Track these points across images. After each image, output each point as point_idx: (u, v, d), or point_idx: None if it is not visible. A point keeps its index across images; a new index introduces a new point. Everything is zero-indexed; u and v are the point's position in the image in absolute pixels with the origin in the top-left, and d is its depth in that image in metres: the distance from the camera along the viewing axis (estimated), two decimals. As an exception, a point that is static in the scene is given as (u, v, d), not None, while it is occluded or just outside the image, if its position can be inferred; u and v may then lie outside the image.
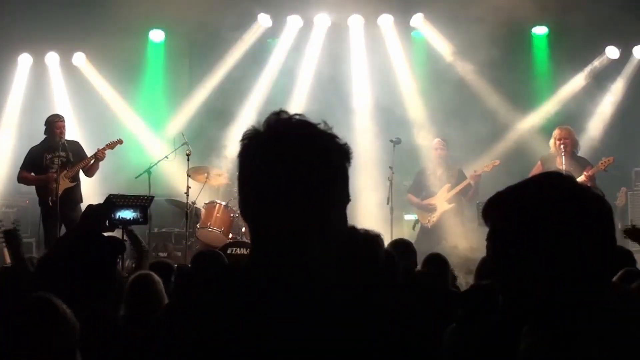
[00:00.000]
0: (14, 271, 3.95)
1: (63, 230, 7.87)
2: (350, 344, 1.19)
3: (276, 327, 1.18)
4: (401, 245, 4.71)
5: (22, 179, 8.23)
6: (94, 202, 7.94)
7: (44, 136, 8.17)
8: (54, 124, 8.07)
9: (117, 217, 2.68)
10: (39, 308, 2.19)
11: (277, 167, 1.25)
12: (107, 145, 8.23)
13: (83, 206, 8.09)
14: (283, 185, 1.24)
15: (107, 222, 2.52)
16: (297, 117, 1.31)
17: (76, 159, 8.11)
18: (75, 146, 8.28)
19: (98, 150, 8.14)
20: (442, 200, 8.48)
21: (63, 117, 8.25)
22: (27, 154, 8.23)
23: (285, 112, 1.31)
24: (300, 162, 1.25)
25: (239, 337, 1.19)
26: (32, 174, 8.12)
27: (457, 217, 8.45)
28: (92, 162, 8.15)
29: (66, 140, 8.13)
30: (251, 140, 1.30)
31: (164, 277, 3.97)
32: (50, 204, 7.86)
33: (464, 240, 8.14)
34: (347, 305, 1.22)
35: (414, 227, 8.80)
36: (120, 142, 8.40)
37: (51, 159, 8.05)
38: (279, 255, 1.25)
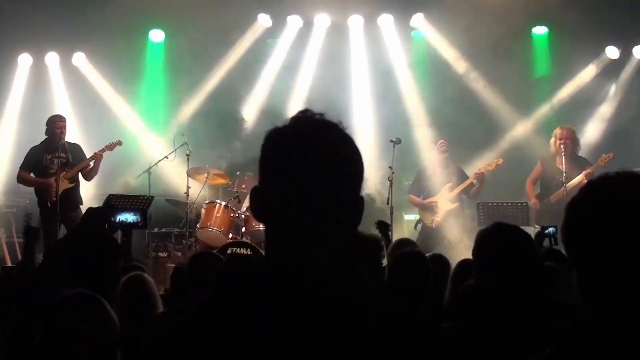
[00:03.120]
0: (21, 269, 3.96)
1: (62, 230, 7.89)
2: (359, 341, 1.20)
3: (294, 319, 1.20)
4: (405, 244, 4.70)
5: (21, 179, 8.25)
6: (94, 203, 7.98)
7: (45, 136, 8.19)
8: (53, 124, 8.09)
9: (117, 220, 2.68)
10: (87, 303, 2.17)
11: (307, 162, 1.27)
12: (106, 146, 8.25)
13: (82, 208, 8.11)
14: (313, 179, 1.27)
15: (106, 225, 2.51)
16: (320, 115, 1.34)
17: (76, 161, 8.13)
18: (75, 148, 8.30)
19: (96, 153, 8.16)
20: (445, 199, 8.44)
21: (64, 118, 8.27)
22: (27, 154, 8.24)
23: (311, 111, 1.34)
24: (330, 159, 1.29)
25: (253, 331, 1.20)
26: (32, 174, 8.14)
27: (459, 217, 8.42)
28: (91, 163, 8.17)
29: (67, 142, 8.17)
30: (281, 135, 1.32)
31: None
32: (49, 204, 7.89)
33: (465, 239, 8.13)
34: (356, 302, 1.25)
35: (415, 227, 8.76)
36: (119, 143, 8.42)
37: (51, 160, 8.06)
38: (299, 250, 1.28)
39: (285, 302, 1.22)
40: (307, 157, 1.27)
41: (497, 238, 2.47)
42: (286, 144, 1.31)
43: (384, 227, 4.93)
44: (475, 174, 8.41)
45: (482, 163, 8.98)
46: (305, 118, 1.33)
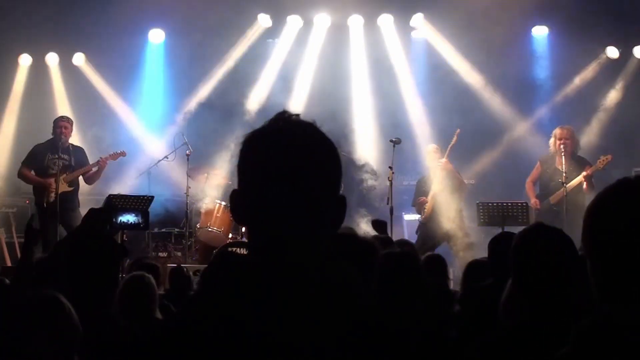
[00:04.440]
0: (19, 270, 3.96)
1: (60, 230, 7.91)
2: (345, 337, 1.22)
3: (283, 317, 1.22)
4: (406, 246, 4.69)
5: (21, 175, 8.31)
6: (93, 203, 7.98)
7: (52, 136, 8.25)
8: (56, 123, 8.21)
9: (119, 221, 2.68)
10: (46, 305, 2.17)
11: (285, 163, 1.28)
12: (110, 155, 8.33)
13: (82, 211, 8.12)
14: (292, 179, 1.27)
15: (108, 226, 2.51)
16: (296, 116, 1.34)
17: (77, 165, 8.20)
18: (78, 152, 8.37)
19: (100, 159, 8.21)
20: (432, 191, 8.34)
21: (67, 118, 8.34)
22: (31, 150, 8.32)
23: (288, 112, 1.35)
24: (308, 159, 1.29)
25: (243, 329, 1.22)
26: (32, 171, 8.19)
27: (447, 200, 8.20)
28: (93, 169, 8.23)
29: (71, 144, 8.24)
30: (258, 137, 1.33)
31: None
32: (45, 205, 7.93)
33: (462, 242, 8.13)
34: (344, 297, 1.27)
35: (416, 232, 8.67)
36: (123, 154, 8.50)
37: (53, 160, 8.11)
38: (280, 248, 1.29)
39: (275, 300, 1.23)
40: (284, 157, 1.29)
41: (539, 240, 2.39)
42: (263, 145, 1.32)
43: (380, 226, 4.91)
44: (442, 165, 8.24)
45: (481, 163, 8.96)
46: (282, 119, 1.34)
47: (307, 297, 1.24)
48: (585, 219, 1.47)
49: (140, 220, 2.62)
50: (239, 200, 1.34)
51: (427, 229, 8.32)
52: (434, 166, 8.43)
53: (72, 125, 8.30)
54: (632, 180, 1.45)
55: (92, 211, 2.54)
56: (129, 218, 2.62)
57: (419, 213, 8.56)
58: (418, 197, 8.56)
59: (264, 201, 1.29)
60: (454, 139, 8.32)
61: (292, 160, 1.28)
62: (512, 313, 2.43)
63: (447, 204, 8.20)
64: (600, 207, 1.46)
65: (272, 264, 1.28)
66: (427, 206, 8.31)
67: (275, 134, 1.32)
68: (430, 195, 8.29)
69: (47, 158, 8.13)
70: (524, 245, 2.41)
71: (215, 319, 1.25)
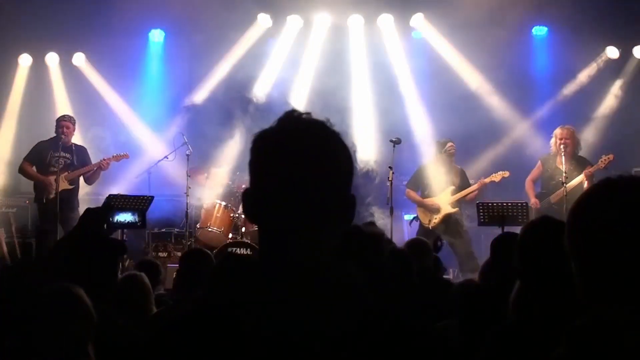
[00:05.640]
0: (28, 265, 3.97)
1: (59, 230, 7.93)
2: (356, 332, 1.23)
3: (287, 316, 1.22)
4: (418, 245, 4.68)
5: (22, 170, 8.35)
6: (93, 203, 8.01)
7: (55, 134, 8.28)
8: (58, 123, 8.26)
9: (116, 220, 2.68)
10: (62, 296, 2.18)
11: (296, 162, 1.28)
12: (112, 156, 8.37)
13: (80, 210, 8.16)
14: (303, 179, 1.28)
15: (105, 225, 2.51)
16: (306, 115, 1.34)
17: (79, 164, 8.21)
18: (81, 151, 8.40)
19: (103, 160, 8.23)
20: (446, 202, 8.39)
21: (69, 118, 8.38)
22: (34, 146, 8.38)
23: (298, 111, 1.34)
24: (322, 159, 1.29)
25: (247, 327, 1.22)
26: (34, 167, 8.22)
27: (458, 221, 8.39)
28: (94, 169, 8.25)
29: (74, 143, 8.27)
30: (267, 136, 1.33)
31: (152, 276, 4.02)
32: (45, 202, 7.96)
33: (462, 243, 8.16)
34: (352, 293, 1.27)
35: (410, 223, 8.71)
36: (126, 156, 8.53)
37: (55, 158, 8.14)
38: (290, 248, 1.29)
39: (278, 300, 1.24)
40: (295, 157, 1.28)
41: (546, 233, 2.28)
42: (273, 145, 1.32)
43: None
44: (481, 182, 8.36)
45: (480, 163, 8.95)
46: (292, 118, 1.34)
47: (309, 297, 1.24)
48: (567, 219, 1.47)
49: (137, 219, 2.62)
50: (250, 200, 1.34)
51: (429, 235, 8.33)
52: (441, 159, 8.46)
53: (74, 124, 8.33)
54: (614, 180, 1.45)
55: (88, 211, 2.54)
56: (125, 217, 2.61)
57: (420, 204, 8.59)
58: (419, 189, 8.59)
59: (272, 200, 1.29)
60: (498, 178, 8.36)
61: (301, 160, 1.28)
62: (522, 310, 2.39)
63: (461, 227, 8.30)
64: (583, 207, 1.45)
65: (275, 263, 1.29)
66: (437, 216, 8.35)
67: (284, 133, 1.32)
68: (444, 213, 8.35)
69: (50, 155, 8.17)
70: (529, 238, 2.36)
71: (218, 317, 1.25)
